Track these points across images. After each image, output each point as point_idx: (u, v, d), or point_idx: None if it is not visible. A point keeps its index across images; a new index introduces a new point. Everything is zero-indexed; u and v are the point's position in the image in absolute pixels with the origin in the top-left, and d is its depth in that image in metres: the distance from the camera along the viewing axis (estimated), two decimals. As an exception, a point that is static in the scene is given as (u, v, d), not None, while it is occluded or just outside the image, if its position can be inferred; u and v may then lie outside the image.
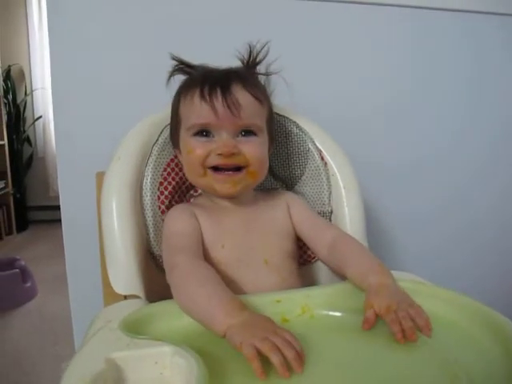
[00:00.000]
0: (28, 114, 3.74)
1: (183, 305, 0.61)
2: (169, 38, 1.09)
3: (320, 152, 0.89)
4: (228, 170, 0.73)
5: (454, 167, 1.40)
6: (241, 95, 0.73)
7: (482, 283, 1.29)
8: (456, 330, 0.60)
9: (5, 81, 3.53)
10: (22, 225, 3.61)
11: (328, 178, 0.89)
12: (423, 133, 1.35)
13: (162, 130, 0.83)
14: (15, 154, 3.58)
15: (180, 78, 0.81)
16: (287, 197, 0.85)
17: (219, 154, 0.72)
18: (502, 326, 0.56)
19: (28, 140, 3.75)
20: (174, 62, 0.80)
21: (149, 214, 0.79)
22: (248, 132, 0.74)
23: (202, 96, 0.72)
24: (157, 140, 0.82)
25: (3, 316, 2.17)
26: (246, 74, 0.78)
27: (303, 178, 0.90)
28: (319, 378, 0.51)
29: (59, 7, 1.05)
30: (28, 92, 3.73)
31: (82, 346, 0.53)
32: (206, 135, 0.74)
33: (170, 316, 0.60)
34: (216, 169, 0.74)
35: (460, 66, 1.36)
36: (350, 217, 0.86)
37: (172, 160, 0.83)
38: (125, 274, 0.72)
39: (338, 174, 0.88)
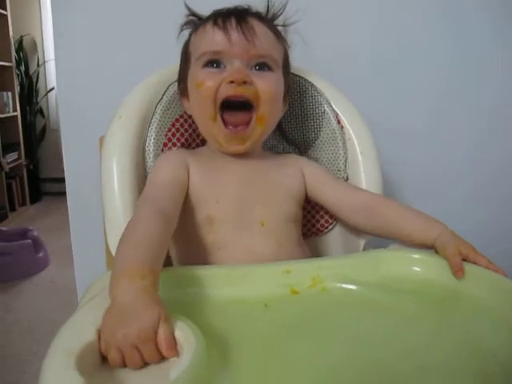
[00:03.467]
0: (41, 85, 3.70)
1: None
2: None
3: (336, 115, 0.83)
4: (238, 110, 0.68)
5: (458, 130, 1.32)
6: (256, 25, 0.68)
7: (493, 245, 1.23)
8: (485, 310, 0.54)
9: (17, 52, 3.49)
10: (36, 196, 3.62)
11: (344, 143, 0.83)
12: (422, 96, 1.28)
13: (167, 88, 0.78)
14: (28, 125, 3.56)
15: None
16: (302, 161, 0.80)
17: (231, 82, 0.66)
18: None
19: (41, 112, 3.72)
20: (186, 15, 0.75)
21: (152, 176, 0.74)
22: (262, 65, 0.69)
23: (215, 23, 0.68)
24: (161, 98, 0.77)
25: (16, 285, 2.18)
26: (262, 13, 0.73)
27: (318, 142, 0.84)
28: (329, 354, 0.47)
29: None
30: (40, 63, 3.69)
31: (73, 314, 0.48)
32: (217, 66, 0.69)
33: (170, 285, 0.56)
34: (226, 108, 0.68)
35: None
36: (366, 183, 0.80)
37: (177, 120, 0.78)
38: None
39: (354, 138, 0.82)
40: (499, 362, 0.45)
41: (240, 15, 0.68)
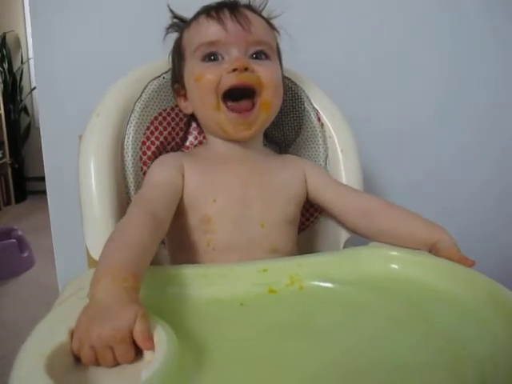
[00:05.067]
0: (25, 83, 3.66)
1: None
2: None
3: (317, 112, 0.83)
4: (241, 97, 0.67)
5: (452, 129, 1.32)
6: (250, 14, 0.68)
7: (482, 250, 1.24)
8: (460, 305, 0.54)
9: (0, 49, 3.44)
10: (21, 195, 3.59)
11: (324, 140, 0.82)
12: (419, 94, 1.28)
13: (146, 86, 0.77)
14: (12, 124, 3.52)
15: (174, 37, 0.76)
16: (305, 163, 0.79)
17: (233, 71, 0.65)
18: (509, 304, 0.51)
19: (25, 110, 3.68)
20: (169, 17, 0.75)
21: (130, 175, 0.73)
22: (260, 53, 0.69)
23: (209, 15, 0.68)
24: (140, 96, 0.76)
25: (1, 285, 2.15)
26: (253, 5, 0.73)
27: (298, 139, 0.84)
28: (306, 352, 0.47)
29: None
30: (24, 60, 3.64)
31: (46, 315, 0.48)
32: (215, 59, 0.68)
33: (146, 285, 0.55)
34: (229, 97, 0.67)
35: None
36: (347, 181, 0.80)
37: (156, 118, 0.77)
38: (102, 239, 0.65)
39: (335, 136, 0.82)
40: (471, 356, 0.45)
41: (232, 5, 0.69)
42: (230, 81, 0.66)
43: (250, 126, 0.69)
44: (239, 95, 0.67)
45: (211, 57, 0.68)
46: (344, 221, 0.75)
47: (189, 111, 0.76)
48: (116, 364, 0.41)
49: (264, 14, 0.74)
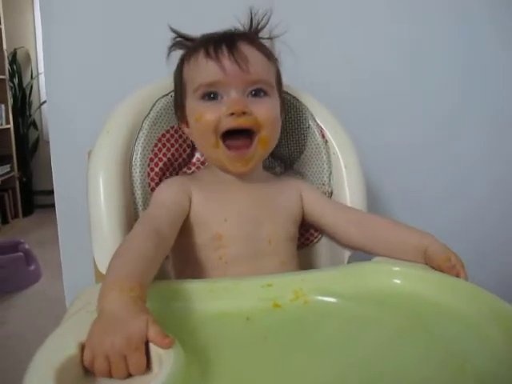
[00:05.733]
0: (34, 97, 3.71)
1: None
2: (164, 10, 1.05)
3: (321, 129, 0.85)
4: (240, 134, 0.69)
5: (456, 149, 1.33)
6: (248, 50, 0.69)
7: (483, 268, 1.25)
8: (462, 320, 0.55)
9: (11, 64, 3.50)
10: (28, 209, 3.61)
11: (329, 157, 0.84)
12: (426, 113, 1.29)
13: (155, 104, 0.79)
14: (21, 138, 3.57)
15: (179, 53, 0.77)
16: (300, 183, 0.82)
17: (231, 114, 0.67)
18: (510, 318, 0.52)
19: (34, 124, 3.73)
20: (173, 35, 0.77)
21: (138, 191, 0.75)
22: (258, 91, 0.70)
23: (208, 54, 0.69)
24: (148, 113, 0.78)
25: (7, 298, 2.17)
26: (251, 34, 0.74)
27: (302, 156, 0.86)
28: (311, 366, 0.47)
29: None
30: (34, 75, 3.70)
31: (56, 328, 0.49)
32: (214, 97, 0.69)
33: (153, 299, 0.56)
34: (228, 135, 0.69)
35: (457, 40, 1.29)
36: (350, 197, 0.81)
37: (163, 135, 0.79)
38: (110, 253, 0.67)
39: (339, 152, 0.84)
40: (473, 370, 0.46)
41: (230, 42, 0.69)
42: (228, 124, 0.68)
43: (247, 162, 0.71)
44: (237, 133, 0.69)
45: (211, 95, 0.70)
46: (338, 233, 0.78)
47: (192, 138, 0.78)
48: (128, 375, 0.42)
49: (265, 32, 0.76)
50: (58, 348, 0.44)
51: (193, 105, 0.72)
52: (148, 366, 0.43)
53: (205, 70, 0.69)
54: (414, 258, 0.68)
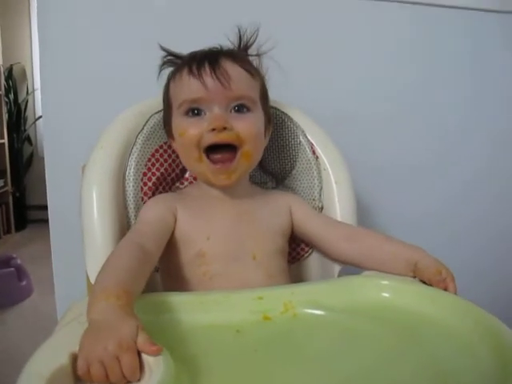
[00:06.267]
0: (29, 113, 3.72)
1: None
2: (156, 30, 1.06)
3: (311, 145, 0.86)
4: (223, 148, 0.70)
5: (452, 170, 1.36)
6: (230, 68, 0.70)
7: (477, 287, 1.26)
8: (450, 333, 0.56)
9: (6, 80, 3.52)
10: (21, 224, 3.60)
11: (319, 173, 0.86)
12: (421, 134, 1.32)
13: (148, 119, 0.80)
14: (15, 153, 3.57)
15: (170, 71, 0.78)
16: (290, 197, 0.83)
17: (212, 130, 0.69)
18: (503, 337, 0.52)
19: (29, 139, 3.74)
20: (164, 54, 0.78)
21: (131, 205, 0.76)
22: (241, 106, 0.71)
23: (191, 71, 0.70)
24: (142, 129, 0.79)
25: (-2, 314, 2.15)
26: (236, 51, 0.76)
27: (293, 172, 0.87)
28: (300, 378, 0.48)
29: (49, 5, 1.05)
30: (30, 91, 3.72)
31: (47, 339, 0.50)
32: (198, 113, 0.71)
33: (144, 311, 0.56)
34: (211, 149, 0.70)
35: (459, 65, 1.32)
36: (341, 212, 0.83)
37: (157, 150, 0.81)
38: (103, 267, 0.68)
39: (329, 168, 0.85)
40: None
41: (213, 59, 0.71)
42: (210, 139, 0.70)
43: (231, 175, 0.72)
44: (220, 148, 0.71)
45: (194, 111, 0.71)
46: (329, 247, 0.79)
47: (177, 152, 0.79)
48: (123, 377, 0.43)
49: (254, 49, 0.78)
50: (49, 358, 0.45)
51: (177, 121, 0.73)
52: (138, 374, 0.44)
53: (188, 86, 0.71)
54: (404, 271, 0.69)
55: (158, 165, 0.80)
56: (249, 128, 0.71)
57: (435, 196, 1.36)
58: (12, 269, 2.32)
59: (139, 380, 0.43)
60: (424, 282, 0.67)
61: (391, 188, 1.30)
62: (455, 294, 0.64)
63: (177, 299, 0.59)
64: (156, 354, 0.44)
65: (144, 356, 0.44)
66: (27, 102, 3.70)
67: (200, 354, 0.51)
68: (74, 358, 0.44)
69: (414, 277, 0.69)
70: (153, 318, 0.56)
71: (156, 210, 0.73)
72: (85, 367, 0.43)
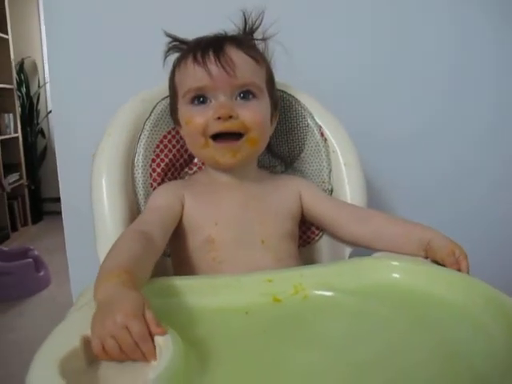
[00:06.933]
0: (41, 106, 3.75)
1: None
2: (161, 16, 1.07)
3: (320, 128, 0.86)
4: (228, 135, 0.70)
5: (453, 138, 1.33)
6: (235, 55, 0.70)
7: (489, 261, 1.24)
8: (461, 314, 0.56)
9: (18, 74, 3.55)
10: (37, 216, 3.65)
11: (328, 155, 0.85)
12: (419, 102, 1.29)
13: (155, 106, 0.80)
14: (29, 146, 3.61)
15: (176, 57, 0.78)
16: (299, 181, 0.83)
17: (218, 118, 0.69)
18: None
19: (42, 132, 3.77)
20: (168, 40, 0.78)
21: (141, 191, 0.77)
22: (246, 93, 0.71)
23: (195, 59, 0.70)
24: (149, 115, 0.79)
25: (17, 305, 2.19)
26: (240, 37, 0.75)
27: (302, 155, 0.87)
28: (312, 360, 0.48)
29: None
30: (41, 84, 3.74)
31: (60, 323, 0.50)
32: (203, 101, 0.71)
33: (154, 295, 0.57)
34: (216, 136, 0.70)
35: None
36: (351, 194, 0.82)
37: (165, 136, 0.81)
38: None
39: (338, 150, 0.85)
40: (473, 369, 0.46)
41: (217, 47, 0.70)
42: (216, 128, 0.70)
43: (235, 154, 0.71)
44: (226, 135, 0.71)
45: (200, 99, 0.71)
46: (339, 229, 0.79)
47: (184, 138, 0.79)
48: (136, 346, 0.44)
49: (259, 33, 0.77)
50: (62, 341, 0.45)
51: (183, 108, 0.73)
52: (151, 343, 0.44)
53: (193, 75, 0.71)
54: (416, 251, 0.69)
55: (166, 151, 0.80)
56: (254, 116, 0.71)
57: (439, 164, 1.33)
58: (30, 260, 2.36)
59: (150, 363, 0.44)
60: (437, 262, 0.67)
61: (393, 159, 1.28)
62: (467, 273, 0.64)
63: (186, 283, 0.60)
64: (162, 334, 0.44)
65: (155, 338, 0.44)
66: (39, 95, 3.73)
67: (209, 336, 0.51)
68: (86, 341, 0.45)
69: (427, 257, 0.69)
70: (163, 302, 0.56)
71: (163, 197, 0.73)
72: (99, 345, 0.44)
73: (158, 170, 0.79)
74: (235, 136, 0.71)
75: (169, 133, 0.81)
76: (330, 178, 0.85)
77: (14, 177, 3.34)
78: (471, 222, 1.36)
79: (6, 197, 3.21)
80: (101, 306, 0.48)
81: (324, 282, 0.63)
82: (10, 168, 3.29)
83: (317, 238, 0.85)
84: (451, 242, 0.68)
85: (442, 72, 1.28)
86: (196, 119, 0.71)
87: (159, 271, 0.65)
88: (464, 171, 1.34)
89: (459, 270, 0.64)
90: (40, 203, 3.73)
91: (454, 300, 0.58)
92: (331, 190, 0.85)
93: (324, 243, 0.85)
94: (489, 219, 1.39)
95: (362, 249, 0.77)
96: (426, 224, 0.72)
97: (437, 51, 1.26)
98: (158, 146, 0.79)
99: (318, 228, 0.85)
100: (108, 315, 0.45)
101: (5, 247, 2.58)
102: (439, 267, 0.65)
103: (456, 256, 0.65)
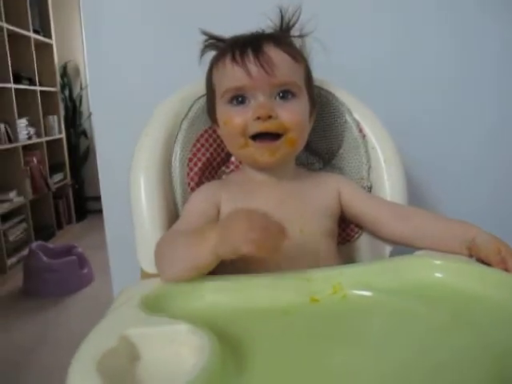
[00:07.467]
0: (84, 107, 3.86)
1: (169, 264, 0.62)
2: (198, 14, 1.07)
3: (358, 124, 0.84)
4: (268, 135, 0.70)
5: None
6: (274, 53, 0.69)
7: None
8: (507, 316, 0.53)
9: (61, 77, 3.67)
10: (82, 214, 3.77)
11: (367, 151, 0.83)
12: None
13: (192, 104, 0.81)
14: (73, 147, 3.73)
15: (213, 55, 0.78)
16: (338, 178, 0.81)
17: (257, 119, 0.68)
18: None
19: (84, 133, 3.89)
20: (205, 38, 0.78)
21: (178, 191, 0.77)
22: (286, 92, 0.71)
23: (234, 59, 0.70)
24: (186, 114, 0.80)
25: (60, 301, 2.26)
26: (278, 35, 0.74)
27: (340, 151, 0.85)
28: (351, 360, 0.47)
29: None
30: (83, 86, 3.85)
31: (99, 322, 0.51)
32: (242, 101, 0.71)
33: (191, 294, 0.57)
34: (256, 137, 0.70)
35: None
36: (391, 191, 0.80)
37: (202, 135, 0.81)
38: (152, 252, 0.69)
39: (377, 146, 0.82)
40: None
41: (256, 46, 0.69)
42: (255, 128, 0.69)
43: (274, 153, 0.71)
44: (265, 135, 0.70)
45: (239, 98, 0.71)
46: (380, 227, 0.77)
47: (222, 138, 0.79)
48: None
49: (296, 30, 0.76)
50: (100, 341, 0.46)
51: (221, 108, 0.73)
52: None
53: (231, 74, 0.70)
54: (459, 249, 0.66)
55: (203, 150, 0.80)
56: (293, 116, 0.70)
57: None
58: (74, 257, 2.43)
59: (186, 363, 0.44)
60: (481, 261, 0.64)
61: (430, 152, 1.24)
62: None
63: (223, 283, 0.60)
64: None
65: (190, 339, 0.44)
66: (81, 97, 3.84)
67: (246, 336, 0.51)
68: (124, 341, 0.45)
69: (471, 255, 0.66)
70: (200, 301, 0.56)
71: (201, 201, 0.73)
72: (255, 243, 0.53)
73: (196, 169, 0.79)
74: (274, 136, 0.70)
75: (205, 131, 0.81)
76: (369, 174, 0.83)
77: (58, 176, 3.45)
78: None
79: (52, 196, 3.32)
80: (222, 233, 0.56)
81: (364, 281, 0.61)
82: (55, 168, 3.41)
83: (356, 235, 0.83)
84: (496, 239, 0.65)
85: (444, 73, 1.23)
86: (235, 119, 0.70)
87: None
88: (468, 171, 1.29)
89: (505, 269, 0.61)
90: (84, 202, 3.85)
91: (498, 302, 0.55)
92: (370, 187, 0.83)
93: (364, 241, 0.83)
94: (492, 221, 1.33)
95: (403, 247, 0.74)
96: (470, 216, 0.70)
97: (438, 54, 1.22)
98: (194, 145, 0.80)
99: (357, 226, 0.83)
100: (237, 222, 0.55)
101: (51, 244, 2.66)
102: (484, 266, 0.62)
103: (502, 254, 0.62)
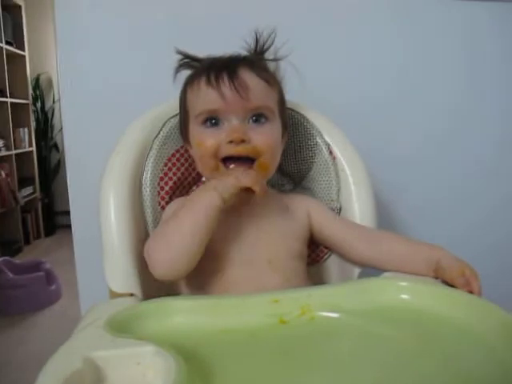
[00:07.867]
0: (56, 120, 3.80)
1: (173, 243, 0.65)
2: (172, 33, 1.09)
3: (328, 146, 0.85)
4: (240, 159, 0.70)
5: (460, 156, 1.34)
6: (248, 78, 0.70)
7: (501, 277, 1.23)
8: (472, 337, 0.54)
9: (34, 89, 3.62)
10: (50, 229, 3.68)
11: (337, 173, 0.84)
12: (430, 120, 1.30)
13: (164, 124, 0.81)
14: (43, 160, 3.66)
15: (187, 74, 0.78)
16: (308, 201, 0.82)
17: (230, 142, 0.69)
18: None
19: (56, 146, 3.82)
20: (180, 57, 0.78)
21: (148, 209, 0.77)
22: (259, 116, 0.71)
23: (209, 81, 0.70)
24: (158, 134, 0.80)
25: (28, 317, 2.20)
26: (253, 58, 0.75)
27: (311, 173, 0.86)
28: (316, 381, 0.48)
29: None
30: (56, 99, 3.80)
31: (64, 343, 0.50)
32: (216, 123, 0.71)
33: (159, 315, 0.57)
34: (228, 160, 0.71)
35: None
36: (360, 213, 0.81)
37: (173, 155, 0.81)
38: (121, 272, 0.69)
39: (347, 169, 0.84)
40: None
41: (231, 69, 0.70)
42: (227, 151, 0.70)
43: None
44: (237, 158, 0.71)
45: (212, 121, 0.71)
46: (348, 250, 0.78)
47: (194, 158, 0.79)
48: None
49: (270, 53, 0.77)
50: (65, 363, 0.45)
51: (195, 129, 0.73)
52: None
53: (206, 97, 0.70)
54: (425, 271, 0.68)
55: (174, 169, 0.80)
56: (266, 140, 0.71)
57: (449, 182, 1.33)
58: (41, 273, 2.37)
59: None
60: (447, 283, 0.66)
61: (403, 176, 1.28)
62: (479, 294, 0.62)
63: (192, 303, 0.59)
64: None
65: (154, 362, 0.44)
66: (54, 110, 3.78)
67: (214, 357, 0.50)
68: (88, 363, 0.45)
69: (436, 277, 0.67)
70: (168, 322, 0.56)
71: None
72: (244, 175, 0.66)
73: (166, 188, 0.79)
74: (246, 160, 0.71)
75: (177, 151, 0.81)
76: (338, 196, 0.84)
77: (27, 190, 3.38)
78: (480, 237, 1.35)
79: (20, 210, 3.25)
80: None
81: (332, 302, 0.62)
82: (24, 181, 3.34)
83: (326, 256, 0.84)
84: (460, 261, 0.67)
85: (450, 89, 1.28)
86: (208, 142, 0.71)
87: (166, 290, 0.65)
88: (472, 186, 1.34)
89: (470, 291, 0.63)
90: (53, 216, 3.77)
91: (464, 323, 0.56)
92: (340, 209, 0.84)
93: (333, 262, 0.84)
94: (497, 235, 1.38)
95: (372, 269, 0.76)
96: (437, 239, 0.72)
97: (444, 69, 1.26)
98: (166, 165, 0.80)
99: (326, 247, 0.84)
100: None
101: (17, 260, 2.59)
102: (450, 288, 0.64)
103: (466, 277, 0.64)
